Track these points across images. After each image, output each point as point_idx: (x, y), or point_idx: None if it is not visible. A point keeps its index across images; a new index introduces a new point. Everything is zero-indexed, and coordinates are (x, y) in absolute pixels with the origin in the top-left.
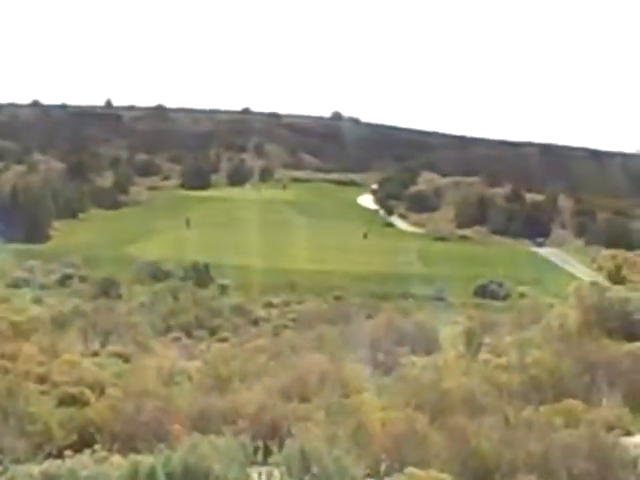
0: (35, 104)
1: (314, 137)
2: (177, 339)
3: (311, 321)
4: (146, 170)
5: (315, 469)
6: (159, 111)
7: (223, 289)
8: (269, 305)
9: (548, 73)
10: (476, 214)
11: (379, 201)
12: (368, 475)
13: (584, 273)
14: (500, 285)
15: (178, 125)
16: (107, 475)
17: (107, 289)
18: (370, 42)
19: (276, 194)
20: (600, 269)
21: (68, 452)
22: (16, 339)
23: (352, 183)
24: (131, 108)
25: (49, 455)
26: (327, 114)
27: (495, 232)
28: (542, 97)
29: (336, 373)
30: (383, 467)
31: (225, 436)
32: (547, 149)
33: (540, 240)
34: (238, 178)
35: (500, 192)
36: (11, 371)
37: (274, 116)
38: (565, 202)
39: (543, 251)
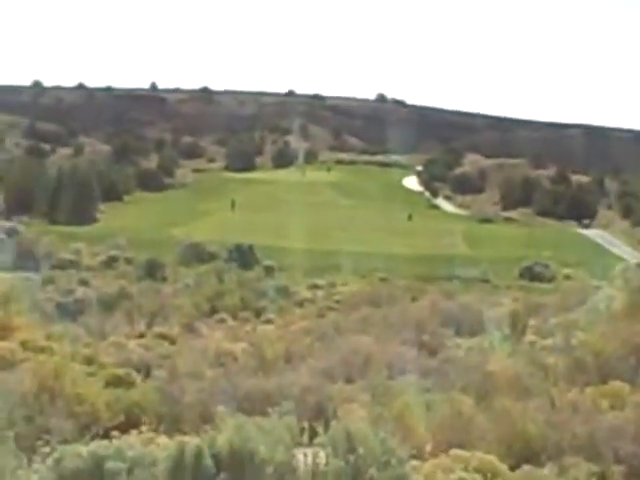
0: (80, 87)
1: (358, 119)
2: (222, 321)
3: (356, 303)
4: (191, 152)
5: (361, 450)
6: (204, 93)
7: (268, 271)
8: (314, 287)
9: (593, 55)
10: (521, 196)
11: (424, 183)
12: (413, 457)
13: (630, 255)
14: (546, 267)
15: (223, 107)
16: (154, 456)
17: (152, 271)
18: (415, 24)
19: (321, 176)
20: None
21: (115, 433)
22: (63, 321)
23: (397, 165)
24: (176, 90)
25: (96, 436)
26: (371, 96)
27: (540, 214)
28: (587, 78)
29: (381, 355)
30: (428, 449)
31: (270, 417)
32: (591, 131)
33: (586, 222)
34: (283, 160)
35: (545, 174)
36: (58, 353)
37: (318, 98)
38: (611, 184)
39: (589, 233)
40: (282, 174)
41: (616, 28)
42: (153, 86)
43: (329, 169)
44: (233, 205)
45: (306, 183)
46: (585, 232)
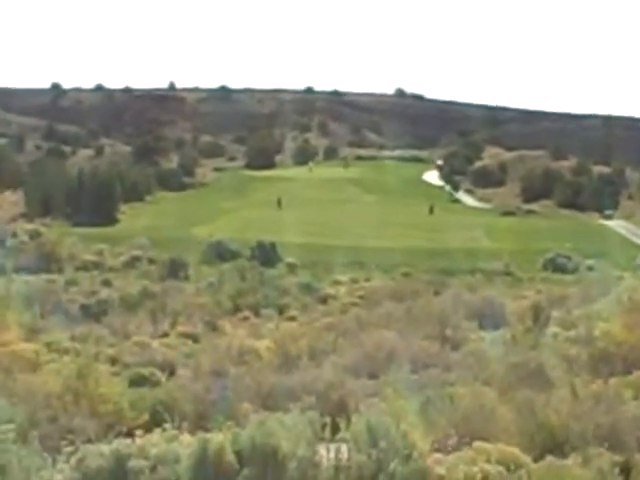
0: (99, 88)
1: (377, 114)
2: (245, 318)
3: (379, 298)
4: (211, 151)
5: (383, 444)
6: (223, 92)
7: (290, 268)
8: (337, 283)
9: (614, 44)
10: (542, 188)
11: (444, 177)
12: (436, 450)
13: None
14: (568, 258)
15: (242, 106)
16: (176, 453)
17: (175, 270)
18: (432, 18)
19: (341, 172)
20: None
21: (138, 432)
22: (86, 322)
23: (417, 160)
24: (195, 90)
25: (119, 435)
26: (390, 91)
27: (562, 205)
28: (607, 68)
29: (404, 349)
30: (451, 442)
31: (292, 413)
32: (612, 121)
33: (608, 213)
34: (303, 157)
35: (566, 165)
36: (82, 353)
37: (337, 94)
38: (632, 174)
39: (611, 223)
40: (302, 171)
41: (637, 16)
42: (172, 86)
43: (346, 165)
44: (280, 203)
45: (327, 180)
46: (607, 223)
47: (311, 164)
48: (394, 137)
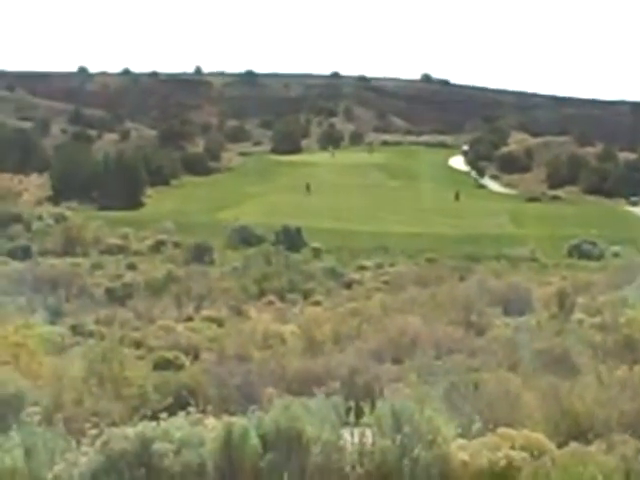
0: (125, 72)
1: (403, 100)
2: (270, 303)
3: (403, 283)
4: (237, 136)
5: (407, 429)
6: (249, 77)
7: (315, 253)
8: (362, 268)
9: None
10: (568, 174)
11: (470, 162)
12: (460, 435)
13: None
14: (594, 245)
15: (268, 90)
16: (201, 436)
17: (200, 254)
18: (459, 3)
19: (365, 157)
20: None
21: (163, 415)
22: (111, 305)
23: (442, 145)
24: (221, 74)
25: (144, 418)
26: (416, 76)
27: (588, 192)
28: (632, 54)
29: (429, 335)
30: (475, 427)
31: (317, 397)
32: (638, 107)
33: (634, 199)
34: (329, 142)
35: (592, 151)
36: (107, 336)
37: (363, 80)
38: None
39: (637, 210)
40: (327, 156)
41: None
42: (198, 70)
43: (371, 151)
44: (308, 188)
45: (352, 165)
46: (633, 209)
47: (332, 149)
48: (420, 122)
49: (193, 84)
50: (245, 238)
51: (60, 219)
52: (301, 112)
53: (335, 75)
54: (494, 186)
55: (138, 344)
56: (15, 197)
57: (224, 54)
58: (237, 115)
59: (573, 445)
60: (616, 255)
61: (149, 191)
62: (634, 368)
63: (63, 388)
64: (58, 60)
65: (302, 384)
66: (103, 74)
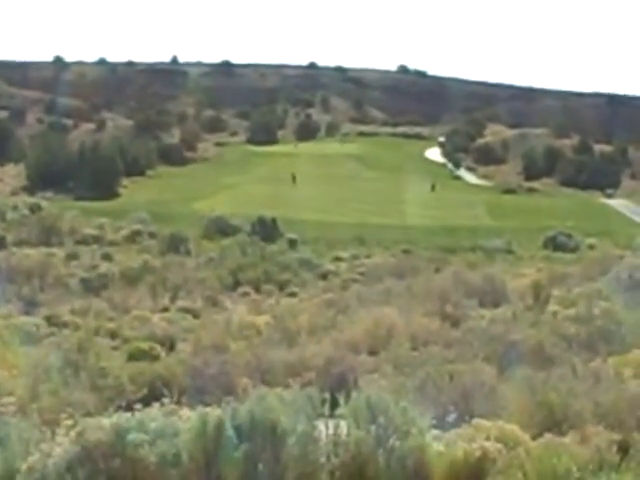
0: (102, 62)
1: (380, 91)
2: (246, 294)
3: (379, 275)
4: (213, 126)
5: (382, 420)
6: (225, 67)
7: (291, 244)
8: (338, 259)
9: (615, 23)
10: (544, 166)
11: (446, 154)
12: (435, 426)
13: None
14: (569, 237)
15: (244, 80)
16: (176, 427)
17: (176, 245)
18: None
19: (338, 148)
20: None
21: (138, 406)
22: (86, 295)
23: (419, 136)
24: (197, 64)
25: (119, 409)
26: (393, 67)
27: (563, 184)
28: (609, 46)
29: (404, 326)
30: (450, 419)
31: (292, 388)
32: (614, 99)
33: (610, 191)
34: (305, 133)
35: (568, 143)
36: (82, 327)
37: (340, 70)
38: (634, 153)
39: (613, 202)
40: (305, 147)
41: None
42: (174, 60)
43: (343, 141)
44: (294, 179)
45: (328, 155)
46: (609, 202)
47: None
48: (397, 114)
49: (169, 74)
50: (221, 228)
51: (35, 209)
52: (278, 103)
53: (312, 66)
54: (470, 178)
55: (113, 334)
56: None
57: (201, 44)
58: (213, 105)
59: (547, 436)
60: (591, 247)
61: (125, 181)
62: (608, 360)
63: (38, 378)
64: (34, 49)
65: (277, 375)
66: (79, 63)
